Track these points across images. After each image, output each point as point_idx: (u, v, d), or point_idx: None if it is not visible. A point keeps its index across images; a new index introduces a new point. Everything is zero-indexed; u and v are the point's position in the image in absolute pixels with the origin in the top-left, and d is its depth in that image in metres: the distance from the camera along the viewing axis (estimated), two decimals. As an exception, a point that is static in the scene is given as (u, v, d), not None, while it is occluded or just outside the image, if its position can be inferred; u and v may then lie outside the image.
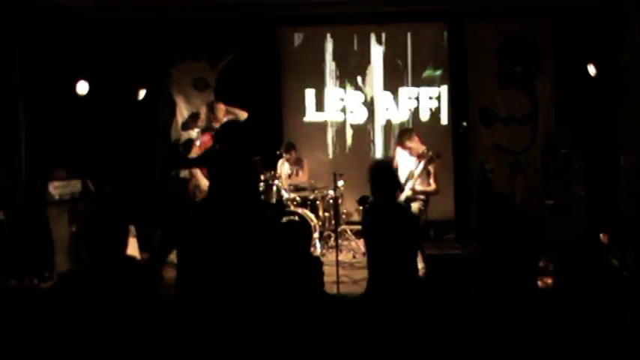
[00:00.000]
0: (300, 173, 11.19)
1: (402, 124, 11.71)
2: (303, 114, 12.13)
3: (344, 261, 9.79)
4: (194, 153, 8.86)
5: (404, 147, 9.21)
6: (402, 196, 8.93)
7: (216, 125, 9.54)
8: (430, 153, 8.90)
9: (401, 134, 9.38)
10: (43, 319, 3.92)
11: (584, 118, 10.93)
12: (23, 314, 6.48)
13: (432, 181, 8.96)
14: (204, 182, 8.61)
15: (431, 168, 8.93)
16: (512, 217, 5.67)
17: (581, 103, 10.97)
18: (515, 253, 4.02)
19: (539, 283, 8.19)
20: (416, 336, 4.61)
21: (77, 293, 3.92)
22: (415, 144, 9.10)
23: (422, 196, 8.95)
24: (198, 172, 8.75)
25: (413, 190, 8.89)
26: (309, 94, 12.15)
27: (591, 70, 10.53)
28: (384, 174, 6.14)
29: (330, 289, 7.43)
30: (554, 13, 11.38)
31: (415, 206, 8.89)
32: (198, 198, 8.68)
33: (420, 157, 8.93)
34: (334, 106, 12.15)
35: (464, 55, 11.66)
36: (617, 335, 4.14)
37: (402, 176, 9.12)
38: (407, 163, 9.14)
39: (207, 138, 8.86)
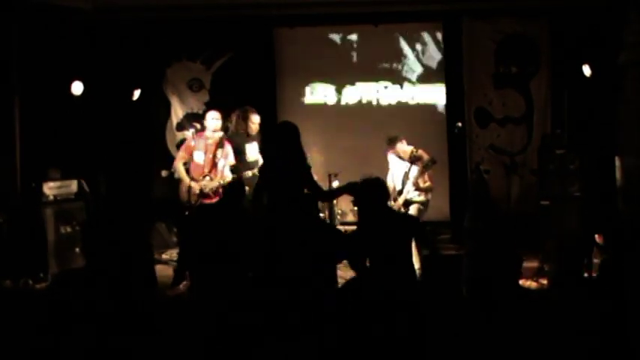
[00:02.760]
0: None
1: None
2: (298, 114, 12.08)
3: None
4: (187, 152, 8.89)
5: (394, 152, 9.19)
6: (401, 200, 8.93)
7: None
8: (427, 159, 8.88)
9: (390, 141, 9.35)
10: (39, 319, 3.92)
11: (580, 119, 10.92)
12: (18, 315, 6.48)
13: (426, 178, 8.95)
14: (193, 185, 8.65)
15: (425, 171, 8.93)
16: (493, 221, 5.69)
17: (578, 103, 10.96)
18: (496, 255, 4.01)
19: (535, 283, 8.25)
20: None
21: (73, 294, 3.92)
22: (404, 147, 9.09)
23: (421, 198, 8.93)
24: (185, 175, 8.77)
25: (418, 188, 8.88)
26: (305, 94, 12.13)
27: (586, 70, 10.53)
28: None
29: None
30: (551, 13, 11.37)
31: (414, 208, 8.88)
32: (188, 200, 8.68)
33: (411, 159, 8.91)
34: (330, 106, 12.14)
35: (460, 56, 11.64)
36: (616, 336, 4.13)
37: (398, 180, 9.11)
38: (399, 167, 9.13)
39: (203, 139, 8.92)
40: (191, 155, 8.83)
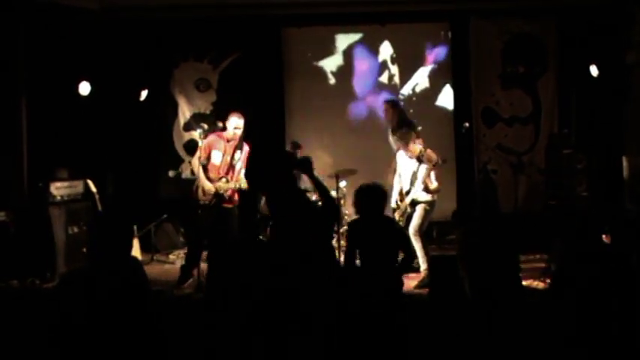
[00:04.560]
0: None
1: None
2: (306, 114, 12.09)
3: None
4: (205, 152, 8.76)
5: (406, 150, 9.10)
6: (408, 200, 8.89)
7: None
8: (438, 159, 8.83)
9: (404, 137, 9.24)
10: (46, 320, 3.93)
11: (587, 118, 10.91)
12: (25, 314, 6.49)
13: (433, 179, 8.86)
14: (208, 185, 8.54)
15: (433, 170, 8.86)
16: (495, 221, 5.71)
17: (585, 103, 10.95)
18: (496, 255, 4.01)
19: (542, 283, 8.22)
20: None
21: (80, 294, 3.92)
22: (414, 146, 9.00)
23: (427, 198, 8.86)
24: (201, 174, 8.66)
25: (426, 189, 8.81)
26: (311, 94, 12.14)
27: (593, 70, 10.51)
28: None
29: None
30: (559, 13, 11.37)
31: (420, 208, 8.83)
32: (203, 200, 8.60)
33: (418, 158, 8.85)
34: (336, 106, 12.13)
35: (467, 55, 11.63)
36: (624, 336, 4.12)
37: (405, 180, 9.07)
38: (408, 166, 9.07)
39: (211, 138, 8.80)
40: (209, 155, 8.70)
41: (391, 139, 9.20)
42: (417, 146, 8.91)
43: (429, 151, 8.88)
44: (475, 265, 3.99)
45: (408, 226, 8.88)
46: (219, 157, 8.66)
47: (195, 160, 8.78)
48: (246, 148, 8.79)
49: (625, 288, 4.48)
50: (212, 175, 8.63)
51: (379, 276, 6.01)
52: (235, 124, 8.64)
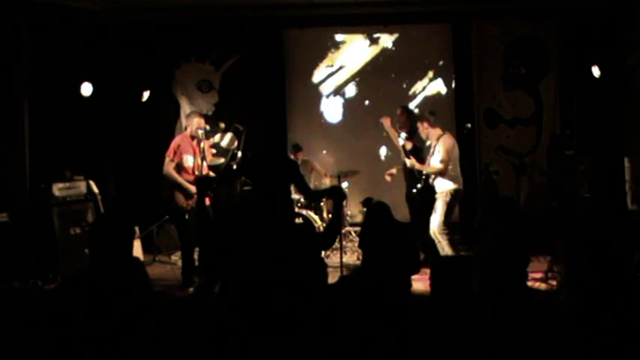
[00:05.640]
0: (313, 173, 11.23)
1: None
2: (308, 116, 12.10)
3: (348, 263, 9.77)
4: (177, 157, 8.76)
5: (423, 133, 9.07)
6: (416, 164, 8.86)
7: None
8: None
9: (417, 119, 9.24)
10: (48, 321, 3.92)
11: (589, 120, 10.90)
12: (27, 316, 6.49)
13: (439, 159, 8.75)
14: (192, 189, 8.56)
15: (440, 148, 8.76)
16: (510, 220, 5.71)
17: (587, 104, 10.94)
18: (509, 255, 4.02)
19: (544, 284, 8.23)
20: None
21: (82, 295, 3.92)
22: (429, 129, 8.94)
23: (448, 187, 8.77)
24: (180, 178, 8.66)
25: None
26: (315, 95, 12.13)
27: (595, 71, 10.50)
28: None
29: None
30: (560, 14, 11.36)
31: (440, 199, 8.75)
32: (186, 205, 8.61)
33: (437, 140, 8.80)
34: (339, 107, 12.13)
35: (469, 57, 11.63)
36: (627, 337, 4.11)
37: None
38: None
39: (179, 143, 8.87)
40: (181, 159, 8.73)
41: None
42: (433, 130, 8.89)
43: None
44: (484, 265, 4.00)
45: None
46: (192, 159, 8.72)
47: (169, 168, 8.74)
48: (203, 143, 8.93)
49: (625, 289, 4.48)
50: (190, 177, 8.67)
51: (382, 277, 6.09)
52: (197, 124, 8.85)
